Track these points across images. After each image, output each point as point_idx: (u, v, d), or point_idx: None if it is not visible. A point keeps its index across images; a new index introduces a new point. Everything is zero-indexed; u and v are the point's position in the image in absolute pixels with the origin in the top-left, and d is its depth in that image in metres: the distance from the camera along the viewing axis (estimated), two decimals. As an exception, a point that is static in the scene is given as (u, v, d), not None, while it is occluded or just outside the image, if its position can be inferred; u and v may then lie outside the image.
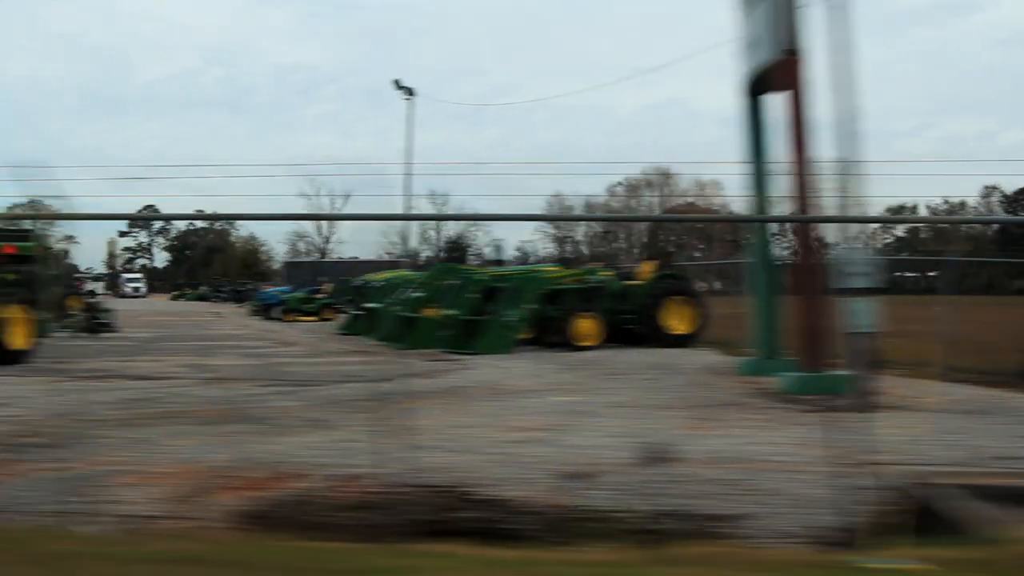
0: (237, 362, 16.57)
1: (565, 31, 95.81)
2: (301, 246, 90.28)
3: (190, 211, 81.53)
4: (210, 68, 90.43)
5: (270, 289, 38.83)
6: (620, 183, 62.21)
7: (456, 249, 67.33)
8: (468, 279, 20.34)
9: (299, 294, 35.74)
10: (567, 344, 18.47)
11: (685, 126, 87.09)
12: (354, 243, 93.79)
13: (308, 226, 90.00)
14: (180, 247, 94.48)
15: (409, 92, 47.20)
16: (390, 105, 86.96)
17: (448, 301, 19.63)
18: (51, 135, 63.06)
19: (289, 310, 34.41)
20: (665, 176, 66.90)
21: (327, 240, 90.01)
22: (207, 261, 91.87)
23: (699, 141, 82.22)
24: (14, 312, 16.09)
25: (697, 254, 67.54)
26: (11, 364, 15.21)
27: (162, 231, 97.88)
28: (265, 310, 36.05)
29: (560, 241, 76.90)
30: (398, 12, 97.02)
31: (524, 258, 71.11)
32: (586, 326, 18.89)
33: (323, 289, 36.11)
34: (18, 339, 16.05)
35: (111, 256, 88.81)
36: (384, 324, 21.48)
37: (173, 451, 7.35)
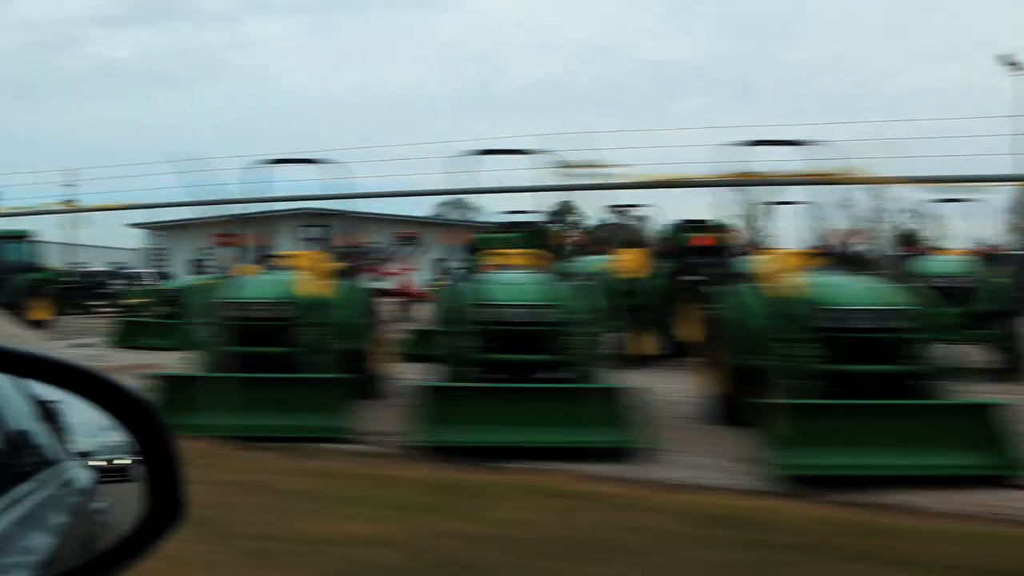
0: None
1: (941, 12, 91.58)
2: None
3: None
4: (582, 68, 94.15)
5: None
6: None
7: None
8: None
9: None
10: None
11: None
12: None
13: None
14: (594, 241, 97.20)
15: (1019, 67, 43.55)
16: (756, 98, 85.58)
17: None
18: (433, 138, 70.27)
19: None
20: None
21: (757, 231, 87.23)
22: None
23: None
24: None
25: None
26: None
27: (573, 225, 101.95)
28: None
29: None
30: (763, 3, 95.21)
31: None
32: None
33: None
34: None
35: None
36: None
37: None
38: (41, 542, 1.49)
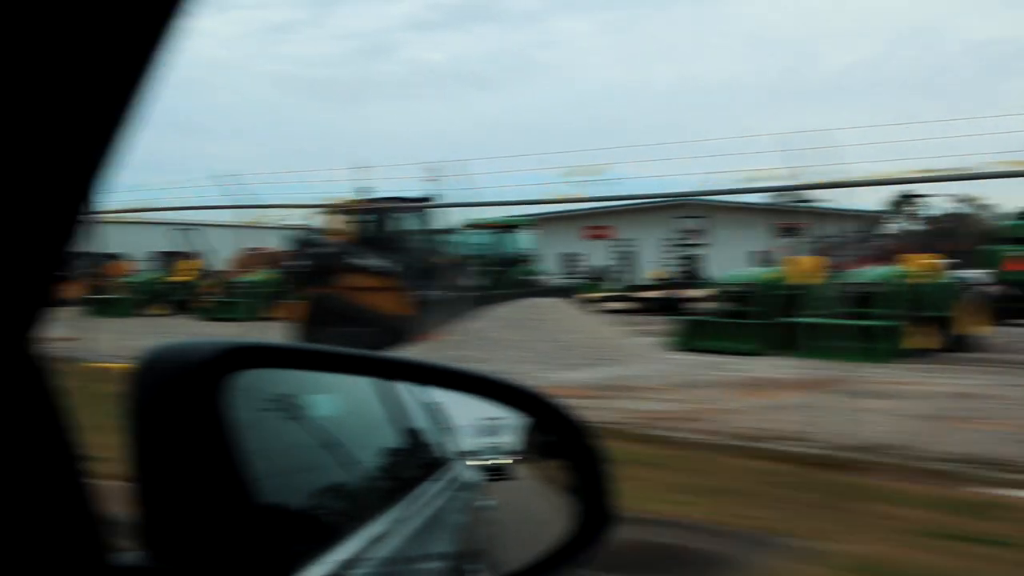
0: None
1: None
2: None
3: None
4: (898, 50, 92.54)
5: None
6: None
7: None
8: None
9: None
10: None
11: None
12: None
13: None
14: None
15: None
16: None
17: None
18: (743, 129, 72.40)
19: None
20: None
21: None
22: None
23: None
24: None
25: None
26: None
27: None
28: None
29: None
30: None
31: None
32: None
33: None
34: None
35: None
36: None
37: None
38: (446, 541, 1.55)
